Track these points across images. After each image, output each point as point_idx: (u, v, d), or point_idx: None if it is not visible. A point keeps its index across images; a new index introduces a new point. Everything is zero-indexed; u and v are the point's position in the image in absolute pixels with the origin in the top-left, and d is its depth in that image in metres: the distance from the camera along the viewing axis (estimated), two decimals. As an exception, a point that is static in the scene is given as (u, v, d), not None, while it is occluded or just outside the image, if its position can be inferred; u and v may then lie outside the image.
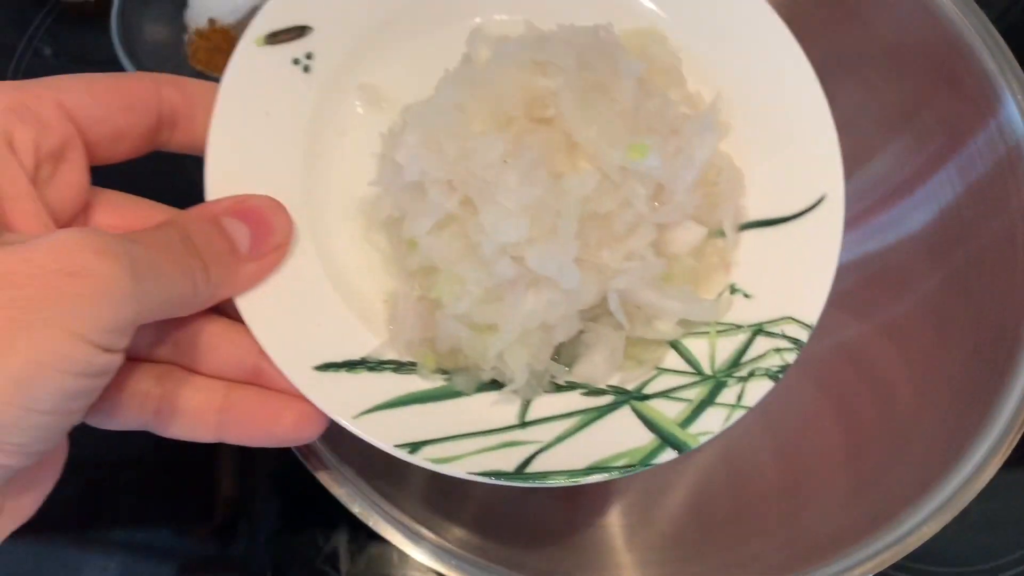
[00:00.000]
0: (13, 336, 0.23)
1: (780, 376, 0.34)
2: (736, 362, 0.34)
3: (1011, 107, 0.46)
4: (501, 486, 0.33)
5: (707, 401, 0.33)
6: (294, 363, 0.31)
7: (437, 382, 0.33)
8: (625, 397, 0.33)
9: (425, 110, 0.33)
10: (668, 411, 0.33)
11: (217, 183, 0.33)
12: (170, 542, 0.57)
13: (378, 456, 0.49)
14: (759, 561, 0.47)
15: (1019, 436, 0.42)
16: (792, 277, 0.36)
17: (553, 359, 0.33)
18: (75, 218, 0.31)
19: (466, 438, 0.32)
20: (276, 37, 0.35)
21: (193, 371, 0.32)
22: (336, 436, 0.44)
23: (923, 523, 0.40)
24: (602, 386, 0.33)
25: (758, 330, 0.34)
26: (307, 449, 0.40)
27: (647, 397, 0.33)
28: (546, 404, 0.33)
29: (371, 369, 0.32)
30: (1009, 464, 0.41)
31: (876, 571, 0.40)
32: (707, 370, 0.34)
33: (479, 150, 0.31)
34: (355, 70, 0.36)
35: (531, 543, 0.50)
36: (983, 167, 0.47)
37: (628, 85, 0.32)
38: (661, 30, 0.38)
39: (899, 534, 0.40)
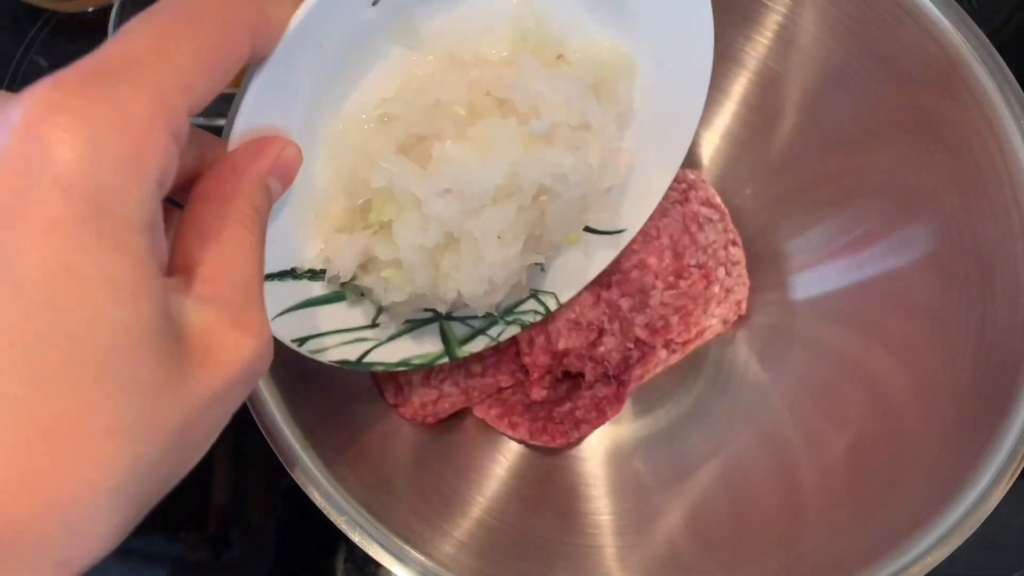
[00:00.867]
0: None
1: (524, 327, 0.49)
2: (511, 311, 0.46)
3: (1010, 124, 0.46)
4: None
5: (482, 331, 0.46)
6: None
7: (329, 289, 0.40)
8: (438, 317, 0.44)
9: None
10: (458, 331, 0.45)
11: None
12: (163, 548, 0.57)
13: (368, 472, 0.48)
14: (759, 586, 0.46)
15: (1025, 460, 0.42)
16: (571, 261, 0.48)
17: None
18: None
19: (334, 334, 0.41)
20: None
21: None
22: (330, 457, 0.44)
23: (928, 552, 0.40)
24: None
25: (533, 294, 0.47)
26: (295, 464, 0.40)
27: (452, 318, 0.44)
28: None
29: (295, 278, 0.38)
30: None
31: (879, 599, 0.39)
32: (494, 311, 0.44)
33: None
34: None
35: (522, 562, 0.49)
36: (983, 184, 0.47)
37: None
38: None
39: (903, 562, 0.40)
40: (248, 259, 0.28)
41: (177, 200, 0.30)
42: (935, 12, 0.48)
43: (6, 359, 0.21)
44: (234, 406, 0.27)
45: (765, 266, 0.61)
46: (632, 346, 0.54)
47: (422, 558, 0.41)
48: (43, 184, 0.21)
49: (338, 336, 0.41)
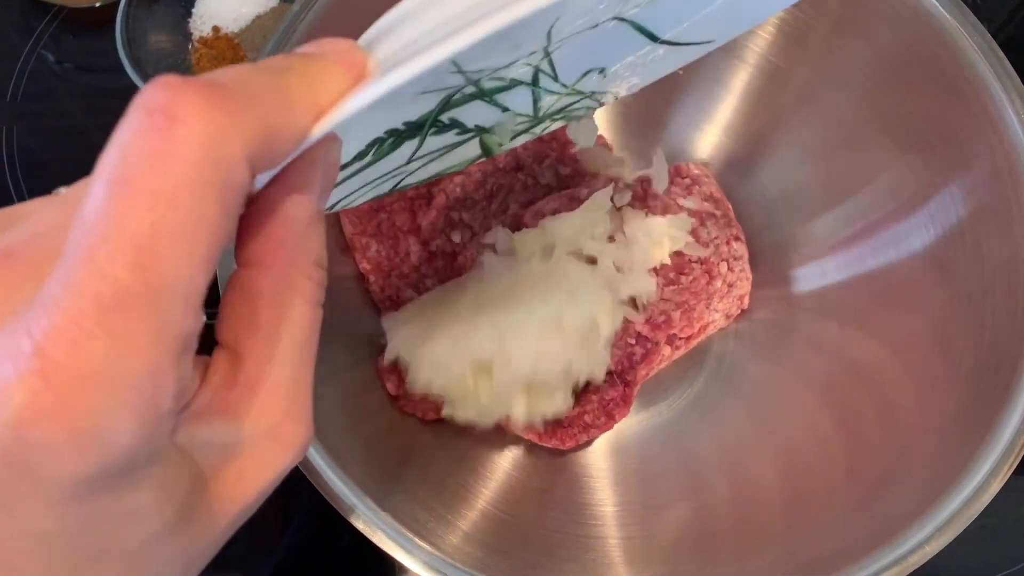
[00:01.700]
0: None
1: (576, 118, 0.42)
2: (561, 111, 0.40)
3: (1012, 121, 0.47)
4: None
5: (524, 132, 0.40)
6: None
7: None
8: (479, 132, 0.38)
9: None
10: (498, 138, 0.39)
11: None
12: None
13: (376, 460, 0.49)
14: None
15: (1022, 454, 0.42)
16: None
17: None
18: None
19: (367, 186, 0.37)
20: None
21: None
22: (335, 447, 0.44)
23: (926, 542, 0.40)
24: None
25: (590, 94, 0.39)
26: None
27: (490, 132, 0.39)
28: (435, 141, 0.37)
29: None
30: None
31: (877, 588, 0.40)
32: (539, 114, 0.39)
33: None
34: None
35: (527, 553, 0.50)
36: (988, 187, 0.48)
37: None
38: None
39: (902, 552, 0.40)
40: (307, 342, 0.26)
41: None
42: (938, 8, 0.49)
43: None
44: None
45: (767, 261, 0.61)
46: (634, 342, 0.55)
47: (428, 548, 0.42)
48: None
49: (372, 185, 0.38)
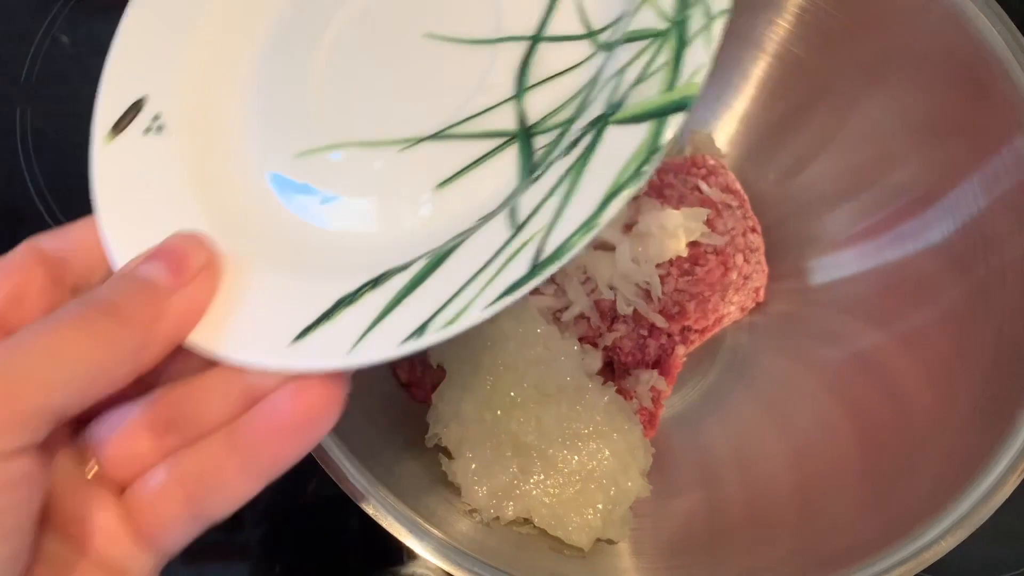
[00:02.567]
0: None
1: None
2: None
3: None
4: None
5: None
6: (269, 353, 0.28)
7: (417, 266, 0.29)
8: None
9: None
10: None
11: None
12: None
13: (387, 447, 0.49)
14: (771, 571, 0.46)
15: (1040, 451, 0.42)
16: None
17: None
18: None
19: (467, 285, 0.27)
20: (119, 126, 0.36)
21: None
22: (346, 432, 0.44)
23: (940, 537, 0.40)
24: None
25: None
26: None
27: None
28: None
29: (350, 302, 0.29)
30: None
31: (890, 584, 0.40)
32: None
33: None
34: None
35: (536, 540, 0.50)
36: (1008, 181, 0.47)
37: None
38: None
39: (915, 548, 0.40)
40: None
41: None
42: (967, 3, 0.48)
43: None
44: None
45: (783, 253, 0.61)
46: (647, 333, 0.54)
47: (438, 533, 0.42)
48: None
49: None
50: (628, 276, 0.53)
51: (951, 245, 0.50)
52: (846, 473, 0.49)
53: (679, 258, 0.54)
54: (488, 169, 0.30)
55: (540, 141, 0.30)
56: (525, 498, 0.49)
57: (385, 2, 0.35)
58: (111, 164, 0.35)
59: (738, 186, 0.60)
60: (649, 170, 0.26)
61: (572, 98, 0.30)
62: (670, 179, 0.56)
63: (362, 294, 0.29)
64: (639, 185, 0.26)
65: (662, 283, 0.54)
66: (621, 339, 0.55)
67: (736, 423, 0.58)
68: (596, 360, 0.54)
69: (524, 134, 0.30)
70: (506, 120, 0.31)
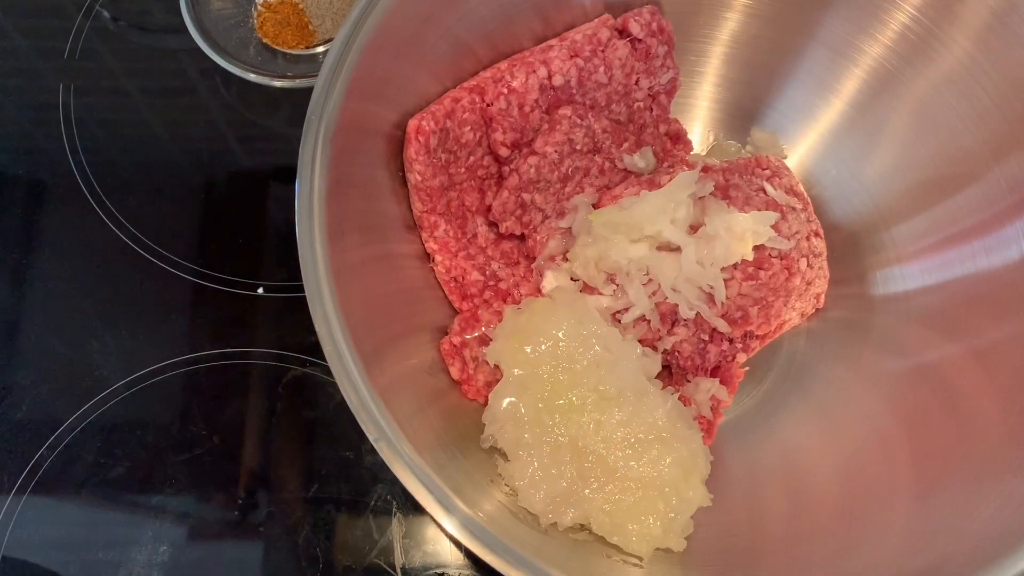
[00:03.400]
0: None
1: None
2: None
3: None
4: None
5: None
6: None
7: None
8: None
9: None
10: None
11: None
12: (192, 507, 0.58)
13: (427, 433, 0.48)
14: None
15: None
16: None
17: None
18: None
19: None
20: None
21: None
22: (397, 417, 0.42)
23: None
24: None
25: None
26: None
27: None
28: None
29: None
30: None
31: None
32: None
33: None
34: None
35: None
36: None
37: None
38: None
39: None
40: None
41: None
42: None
43: None
44: None
45: (844, 257, 0.59)
46: (708, 338, 0.53)
47: (467, 510, 0.40)
48: None
49: None
50: (692, 279, 0.51)
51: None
52: (898, 495, 0.47)
53: (744, 262, 0.52)
54: None
55: None
56: (584, 504, 0.48)
57: None
58: None
59: (801, 188, 0.58)
60: None
61: None
62: (735, 180, 0.55)
63: None
64: None
65: (726, 287, 0.52)
66: (681, 343, 0.53)
67: (788, 433, 0.56)
68: (656, 364, 0.52)
69: None
70: None
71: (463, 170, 0.54)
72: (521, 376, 0.50)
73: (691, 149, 0.62)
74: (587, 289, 0.54)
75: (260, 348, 0.61)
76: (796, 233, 0.54)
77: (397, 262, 0.53)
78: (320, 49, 0.69)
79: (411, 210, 0.54)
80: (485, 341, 0.53)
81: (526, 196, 0.54)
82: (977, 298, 0.51)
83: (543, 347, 0.50)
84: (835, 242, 0.59)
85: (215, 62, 0.65)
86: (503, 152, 0.54)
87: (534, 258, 0.56)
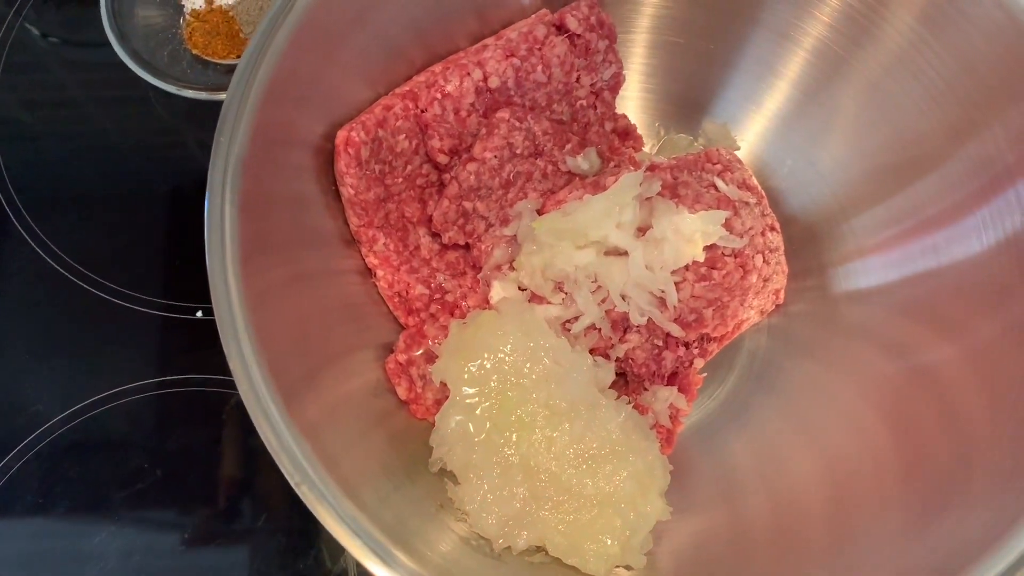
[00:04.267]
0: None
1: None
2: None
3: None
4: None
5: None
6: None
7: None
8: None
9: None
10: None
11: None
12: (176, 519, 0.56)
13: (373, 466, 0.45)
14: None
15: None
16: None
17: None
18: None
19: None
20: None
21: None
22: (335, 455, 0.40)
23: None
24: None
25: None
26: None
27: None
28: None
29: None
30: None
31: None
32: None
33: None
34: None
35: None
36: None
37: None
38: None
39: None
40: None
41: None
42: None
43: None
44: None
45: (802, 250, 0.57)
46: (662, 344, 0.51)
47: (405, 559, 0.38)
48: None
49: None
50: (642, 284, 0.49)
51: (992, 253, 0.46)
52: (885, 495, 0.46)
53: (695, 263, 0.50)
54: None
55: None
56: (538, 525, 0.45)
57: None
58: None
59: (755, 181, 0.56)
60: None
61: None
62: (684, 177, 0.52)
63: None
64: None
65: (678, 290, 0.50)
66: (634, 350, 0.51)
67: (759, 433, 0.54)
68: (608, 373, 0.50)
69: None
70: None
71: (400, 180, 0.52)
72: (469, 394, 0.48)
73: (642, 145, 0.60)
74: (535, 299, 0.52)
75: (202, 374, 0.59)
76: (750, 229, 0.52)
77: (337, 278, 0.51)
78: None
79: (347, 224, 0.52)
80: (432, 358, 0.51)
81: (467, 204, 0.52)
82: (942, 291, 0.49)
83: (490, 363, 0.48)
84: (793, 235, 0.57)
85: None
86: (442, 159, 0.52)
87: (480, 268, 0.54)
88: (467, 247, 0.54)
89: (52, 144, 0.67)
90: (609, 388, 0.51)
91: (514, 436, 0.47)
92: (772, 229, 0.55)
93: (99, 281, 0.61)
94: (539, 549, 0.46)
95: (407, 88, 0.51)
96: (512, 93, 0.52)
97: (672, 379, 0.52)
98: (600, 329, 0.50)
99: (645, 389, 0.52)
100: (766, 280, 0.54)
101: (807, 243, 0.57)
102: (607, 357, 0.51)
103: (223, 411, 0.58)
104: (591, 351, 0.51)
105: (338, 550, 0.55)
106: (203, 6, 0.66)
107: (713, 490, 0.53)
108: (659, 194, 0.51)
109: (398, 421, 0.50)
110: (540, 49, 0.52)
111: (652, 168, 0.52)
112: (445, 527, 0.46)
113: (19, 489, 0.56)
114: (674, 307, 0.50)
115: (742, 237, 0.51)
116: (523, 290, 0.52)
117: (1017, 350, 0.44)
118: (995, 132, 0.46)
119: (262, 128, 0.43)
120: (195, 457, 0.57)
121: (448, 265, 0.54)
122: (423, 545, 0.42)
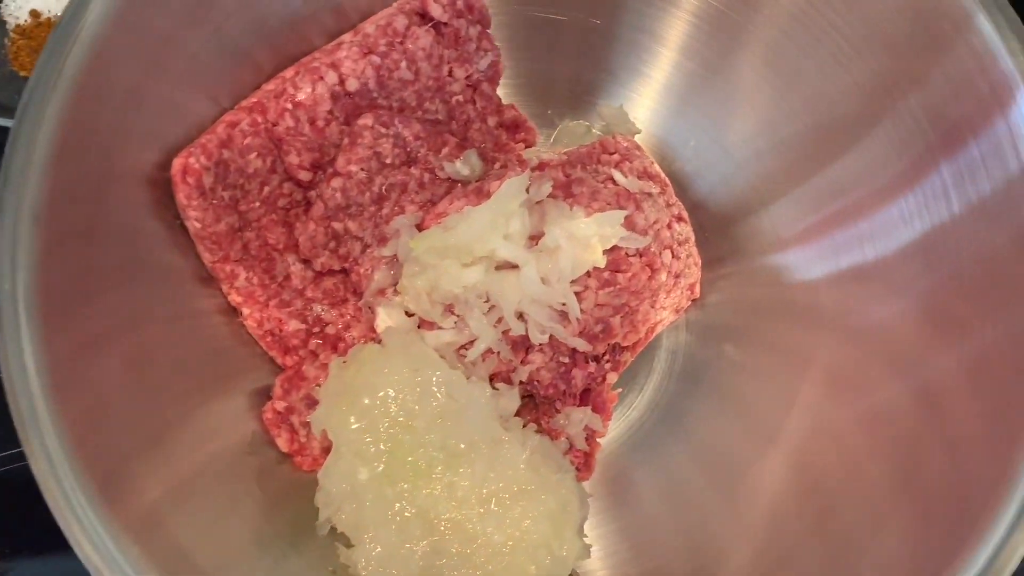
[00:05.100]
0: None
1: None
2: None
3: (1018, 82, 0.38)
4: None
5: None
6: None
7: None
8: None
9: None
10: None
11: None
12: None
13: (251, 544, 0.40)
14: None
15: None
16: None
17: None
18: None
19: None
20: None
21: None
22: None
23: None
24: None
25: None
26: None
27: None
28: None
29: None
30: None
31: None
32: None
33: None
34: None
35: None
36: (984, 165, 0.39)
37: None
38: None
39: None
40: None
41: None
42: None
43: None
44: None
45: (715, 237, 0.53)
46: (569, 361, 0.46)
47: None
48: None
49: None
50: (539, 299, 0.44)
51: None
52: (847, 458, 0.42)
53: (596, 269, 0.45)
54: None
55: None
56: None
57: None
58: None
59: (657, 168, 0.51)
60: None
61: None
62: (578, 173, 0.47)
63: None
64: None
65: (579, 300, 0.45)
66: (539, 371, 0.46)
67: (700, 436, 0.51)
68: (512, 400, 0.45)
69: None
70: None
71: (258, 204, 0.45)
72: (354, 444, 0.42)
73: (535, 136, 0.55)
74: (425, 324, 0.46)
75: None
76: (655, 223, 0.47)
77: (194, 321, 0.45)
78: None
79: (202, 261, 0.45)
80: (315, 402, 0.45)
81: (337, 225, 0.46)
82: (870, 280, 0.45)
83: (376, 406, 0.42)
84: (704, 221, 0.53)
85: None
86: (303, 176, 0.46)
87: (362, 294, 0.48)
88: (345, 272, 0.48)
89: None
90: (516, 416, 0.46)
91: (410, 486, 0.41)
92: (680, 219, 0.50)
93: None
94: (452, 608, 0.41)
95: (254, 100, 0.45)
96: (375, 95, 0.46)
97: (585, 397, 0.47)
98: (499, 352, 0.45)
99: (557, 411, 0.47)
100: (677, 276, 0.49)
101: (720, 228, 0.53)
102: (510, 382, 0.46)
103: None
104: (492, 377, 0.46)
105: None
106: (28, 21, 0.58)
107: (658, 502, 0.50)
108: (551, 195, 0.45)
109: (279, 478, 0.45)
110: (402, 43, 0.46)
111: (541, 166, 0.47)
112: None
113: None
114: (577, 320, 0.45)
115: (646, 234, 0.46)
116: (411, 315, 0.47)
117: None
118: (911, 104, 0.41)
119: (62, 164, 0.35)
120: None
121: (325, 293, 0.48)
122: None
